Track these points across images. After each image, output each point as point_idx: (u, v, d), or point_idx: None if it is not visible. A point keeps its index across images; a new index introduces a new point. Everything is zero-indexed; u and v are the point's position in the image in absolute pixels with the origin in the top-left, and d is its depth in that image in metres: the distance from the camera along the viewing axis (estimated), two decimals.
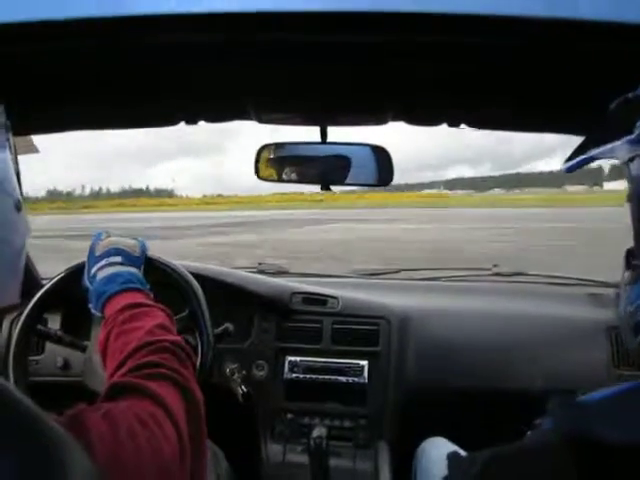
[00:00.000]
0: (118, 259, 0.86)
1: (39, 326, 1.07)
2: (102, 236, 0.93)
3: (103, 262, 0.86)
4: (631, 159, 0.45)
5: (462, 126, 0.91)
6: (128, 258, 0.87)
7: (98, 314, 0.80)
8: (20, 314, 1.04)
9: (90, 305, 0.83)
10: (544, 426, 0.46)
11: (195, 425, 0.54)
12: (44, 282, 1.11)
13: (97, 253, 0.88)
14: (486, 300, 1.48)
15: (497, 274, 1.65)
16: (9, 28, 0.52)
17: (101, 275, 0.83)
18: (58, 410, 0.45)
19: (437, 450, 1.05)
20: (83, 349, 1.06)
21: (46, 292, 1.06)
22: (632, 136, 0.45)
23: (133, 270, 0.85)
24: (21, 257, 0.52)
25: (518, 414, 0.84)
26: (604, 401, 0.42)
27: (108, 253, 0.87)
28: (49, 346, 1.22)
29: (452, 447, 1.05)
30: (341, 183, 1.01)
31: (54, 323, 1.24)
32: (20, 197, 0.50)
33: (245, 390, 1.22)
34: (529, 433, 0.46)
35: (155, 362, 0.57)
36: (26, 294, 1.04)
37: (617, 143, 0.47)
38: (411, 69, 0.73)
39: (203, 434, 0.56)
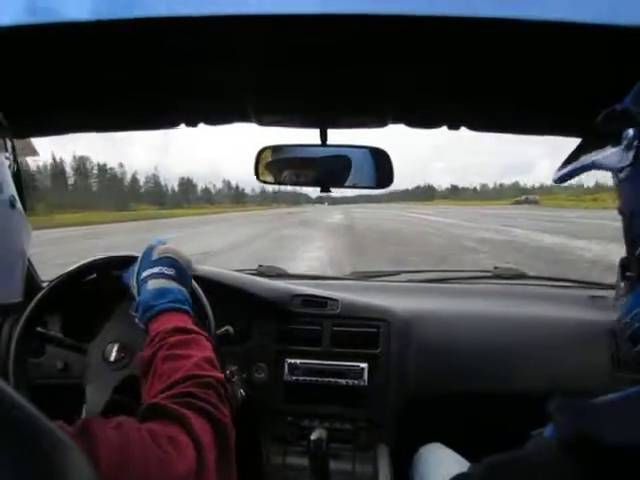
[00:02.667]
0: (172, 272, 0.84)
1: (39, 328, 1.07)
2: (160, 243, 0.91)
3: (156, 270, 0.83)
4: (619, 170, 0.45)
5: (462, 128, 0.91)
6: (181, 274, 0.85)
7: (141, 326, 0.79)
8: (20, 316, 1.04)
9: (134, 313, 0.81)
10: (546, 433, 0.45)
11: (224, 459, 0.56)
12: (44, 285, 1.12)
13: (154, 257, 0.86)
14: (487, 302, 1.48)
15: (498, 276, 1.65)
16: (10, 31, 0.52)
17: (152, 285, 0.81)
18: (58, 412, 0.45)
19: (435, 456, 1.05)
20: (83, 352, 1.06)
21: (46, 294, 1.06)
22: (620, 147, 0.44)
23: (182, 288, 0.83)
24: (19, 253, 0.52)
25: (519, 417, 0.84)
26: (609, 405, 0.42)
27: (163, 262, 0.85)
28: (49, 348, 1.22)
29: (450, 453, 1.05)
30: (340, 185, 1.01)
31: (54, 326, 1.24)
32: (16, 195, 0.50)
33: (244, 394, 1.22)
34: (528, 443, 0.46)
35: (198, 395, 0.59)
36: (26, 296, 1.04)
37: (606, 154, 0.47)
38: (411, 71, 0.73)
39: (232, 468, 0.58)
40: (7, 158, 0.51)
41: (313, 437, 1.04)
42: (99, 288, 1.20)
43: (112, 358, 1.01)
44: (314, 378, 1.31)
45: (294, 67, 0.73)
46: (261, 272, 1.64)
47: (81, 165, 73.91)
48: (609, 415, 0.40)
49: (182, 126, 0.93)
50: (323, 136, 0.93)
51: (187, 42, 0.61)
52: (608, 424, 0.39)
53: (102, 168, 78.37)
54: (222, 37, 0.60)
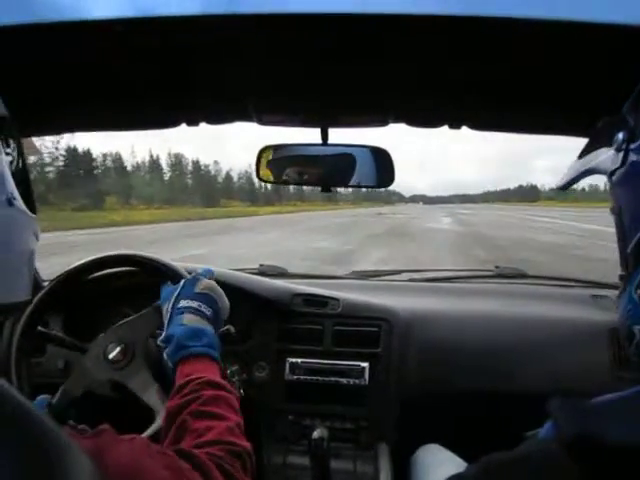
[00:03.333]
0: (209, 312, 0.83)
1: (40, 328, 1.07)
2: (207, 275, 0.90)
3: (195, 305, 0.83)
4: (612, 172, 0.47)
5: (463, 128, 0.91)
6: (216, 316, 0.85)
7: (169, 364, 0.78)
8: (21, 315, 1.04)
9: (161, 344, 0.80)
10: (542, 433, 0.45)
11: None
12: (45, 284, 1.12)
13: (197, 289, 0.86)
14: (488, 302, 1.48)
15: (499, 275, 1.64)
16: (13, 30, 0.52)
17: (187, 320, 0.81)
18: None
19: (431, 457, 1.05)
20: (84, 351, 1.06)
21: (46, 294, 1.06)
22: (611, 150, 0.47)
23: (214, 332, 0.83)
24: (22, 252, 0.51)
25: (520, 415, 0.84)
26: (610, 405, 0.42)
27: (204, 298, 0.85)
28: (50, 348, 1.22)
29: (447, 453, 1.05)
30: (342, 185, 1.01)
31: (56, 325, 1.24)
32: (14, 192, 0.49)
33: (243, 394, 1.21)
34: (524, 443, 0.45)
35: (225, 459, 0.60)
36: None
37: (600, 158, 0.49)
38: (412, 70, 0.73)
39: None
40: (8, 154, 0.50)
41: (314, 436, 1.04)
42: (100, 287, 1.20)
43: (111, 357, 1.01)
44: (315, 377, 1.31)
45: (295, 66, 0.73)
46: (262, 271, 1.64)
47: (176, 162, 74.36)
48: (610, 415, 0.40)
49: (183, 125, 0.93)
50: (324, 135, 0.93)
51: (188, 41, 0.61)
52: (609, 424, 0.39)
53: (196, 165, 78.69)
54: (223, 36, 0.60)
